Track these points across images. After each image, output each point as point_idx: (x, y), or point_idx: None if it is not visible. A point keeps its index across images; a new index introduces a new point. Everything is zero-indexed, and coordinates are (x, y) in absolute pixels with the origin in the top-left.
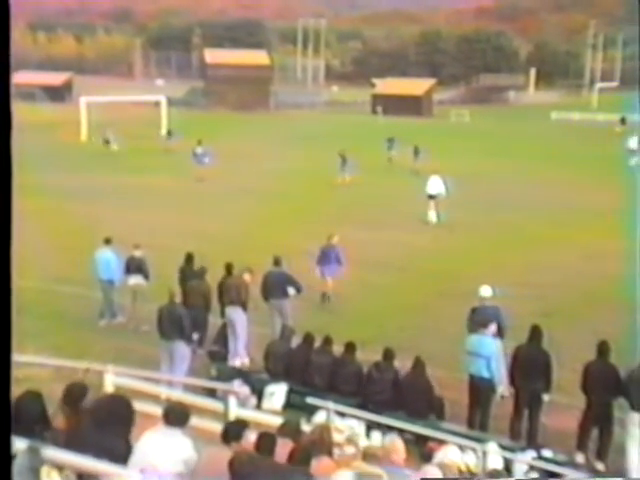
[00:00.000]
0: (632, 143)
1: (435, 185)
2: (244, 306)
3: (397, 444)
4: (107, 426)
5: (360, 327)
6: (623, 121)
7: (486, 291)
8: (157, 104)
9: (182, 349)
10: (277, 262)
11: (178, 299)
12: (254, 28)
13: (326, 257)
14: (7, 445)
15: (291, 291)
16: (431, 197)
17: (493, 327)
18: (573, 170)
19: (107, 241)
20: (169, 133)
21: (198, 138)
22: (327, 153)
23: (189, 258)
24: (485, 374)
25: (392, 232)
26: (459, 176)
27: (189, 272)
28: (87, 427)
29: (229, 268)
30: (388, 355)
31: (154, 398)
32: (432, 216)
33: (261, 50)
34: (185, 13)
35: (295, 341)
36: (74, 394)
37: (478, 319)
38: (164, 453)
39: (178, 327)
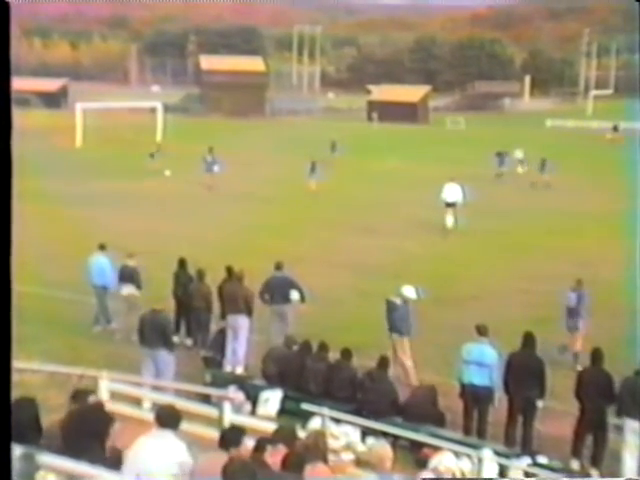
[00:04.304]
0: (518, 153)
1: (452, 192)
2: (250, 313)
3: (384, 449)
4: (83, 435)
5: (355, 333)
6: (616, 128)
7: (409, 292)
8: (153, 110)
9: (165, 357)
10: (279, 267)
11: (162, 306)
12: (249, 34)
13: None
14: (7, 449)
15: (294, 295)
16: (448, 205)
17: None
18: (568, 176)
19: (101, 247)
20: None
21: (210, 145)
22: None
23: (182, 263)
24: (487, 383)
25: (386, 238)
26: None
27: (183, 277)
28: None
29: (230, 272)
30: (383, 362)
31: (148, 404)
32: (449, 223)
33: (257, 56)
34: (180, 19)
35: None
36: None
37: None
38: (158, 456)
39: (161, 335)
